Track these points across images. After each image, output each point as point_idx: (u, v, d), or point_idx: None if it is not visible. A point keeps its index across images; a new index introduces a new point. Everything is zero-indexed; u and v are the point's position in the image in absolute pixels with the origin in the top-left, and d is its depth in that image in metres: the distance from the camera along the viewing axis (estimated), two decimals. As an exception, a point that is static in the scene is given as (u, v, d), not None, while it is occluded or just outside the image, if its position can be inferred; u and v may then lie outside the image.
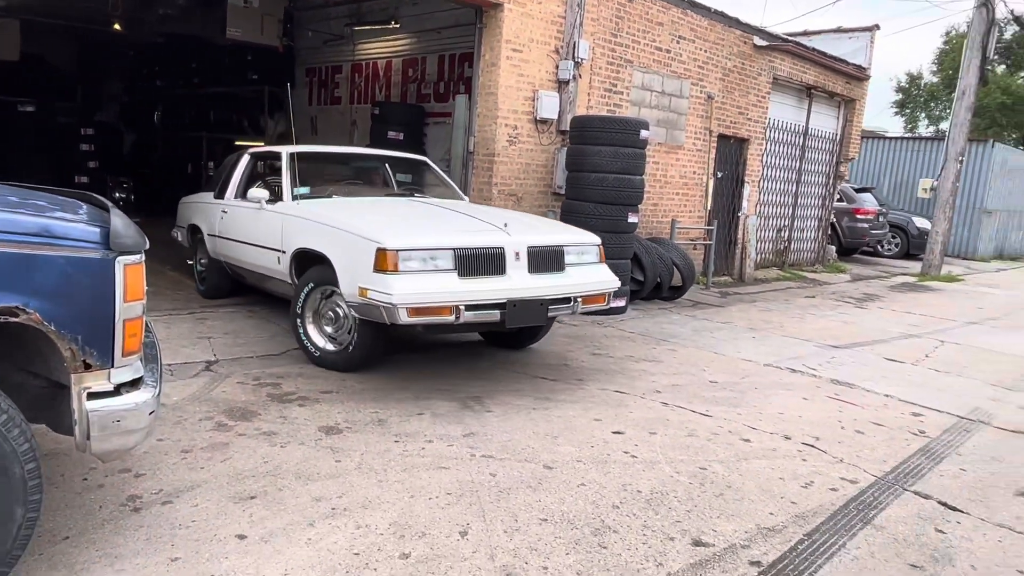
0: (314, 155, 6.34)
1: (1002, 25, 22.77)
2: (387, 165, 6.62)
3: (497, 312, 4.33)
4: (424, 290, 4.17)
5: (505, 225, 4.70)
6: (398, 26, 10.49)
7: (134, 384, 2.34)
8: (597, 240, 5.12)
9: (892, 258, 16.84)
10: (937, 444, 4.25)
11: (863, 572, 2.76)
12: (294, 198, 5.33)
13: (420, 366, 5.08)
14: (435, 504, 3.03)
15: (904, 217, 17.15)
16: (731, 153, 11.00)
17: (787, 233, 12.64)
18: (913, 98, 33.60)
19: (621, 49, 8.81)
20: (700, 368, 5.57)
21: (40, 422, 2.52)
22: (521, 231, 4.73)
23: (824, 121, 13.06)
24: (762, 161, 11.57)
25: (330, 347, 4.84)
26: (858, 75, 13.07)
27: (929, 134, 28.85)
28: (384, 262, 4.19)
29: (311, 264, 4.90)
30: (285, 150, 5.81)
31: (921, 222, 16.41)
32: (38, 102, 11.50)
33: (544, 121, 8.12)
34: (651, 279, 8.26)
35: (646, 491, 3.29)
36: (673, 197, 10.02)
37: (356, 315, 4.46)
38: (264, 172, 6.39)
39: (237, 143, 14.41)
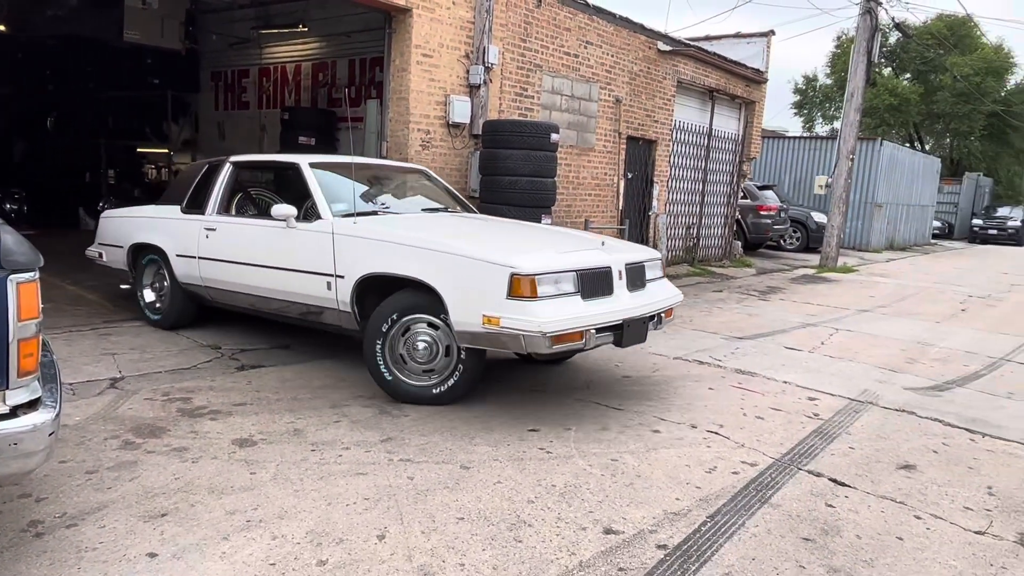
0: (331, 165, 5.44)
1: (887, 31, 24.36)
2: (401, 176, 6.14)
3: (612, 334, 4.26)
4: (562, 315, 3.96)
5: (603, 244, 4.63)
6: (306, 30, 10.35)
7: (31, 405, 2.28)
8: (660, 255, 5.10)
9: (794, 251, 17.74)
10: (829, 425, 4.56)
11: (760, 548, 2.96)
12: (335, 215, 4.79)
13: (338, 374, 5.06)
14: (353, 510, 3.06)
15: (803, 212, 18.09)
16: (640, 154, 11.36)
17: (696, 230, 13.14)
18: (809, 99, 35.40)
19: (531, 54, 8.98)
20: (613, 364, 5.76)
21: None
22: (614, 249, 4.66)
23: (727, 123, 13.65)
24: (670, 162, 12.00)
25: (423, 381, 4.41)
26: (756, 78, 13.73)
27: (825, 133, 30.53)
28: (520, 288, 3.91)
29: (384, 290, 4.46)
30: (302, 161, 5.23)
31: (819, 217, 17.36)
32: (-85, 109, 10.76)
33: (457, 125, 8.19)
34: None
35: (560, 485, 3.41)
36: (586, 198, 10.27)
37: (467, 345, 4.16)
38: (251, 184, 6.14)
39: (140, 150, 13.88)
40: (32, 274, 2.24)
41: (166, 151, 13.31)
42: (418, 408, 4.37)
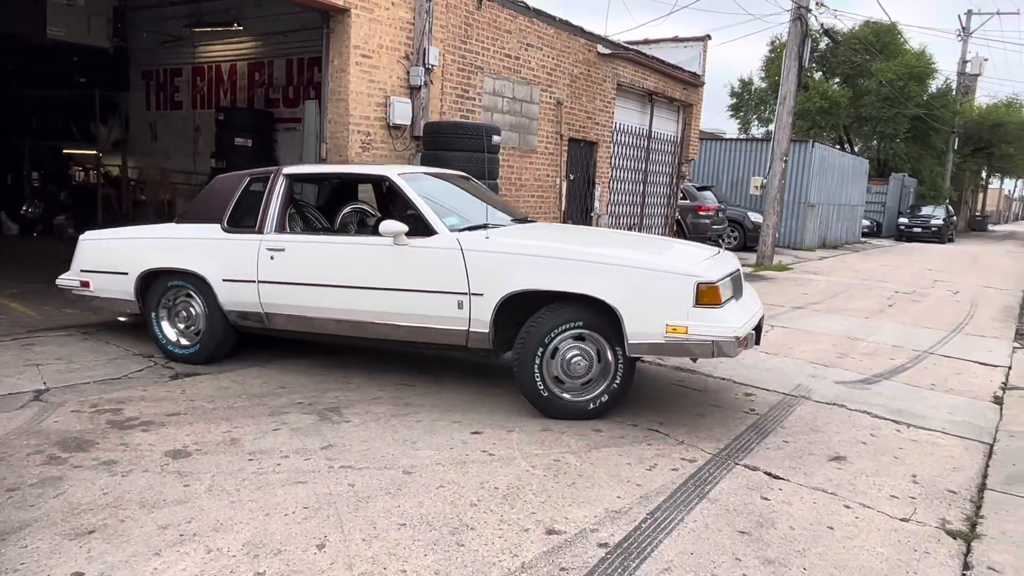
0: (424, 175, 5.21)
1: (817, 37, 25.20)
2: (459, 183, 5.70)
3: (755, 334, 4.46)
4: (742, 319, 4.21)
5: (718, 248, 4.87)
6: (241, 28, 10.11)
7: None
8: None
9: (732, 251, 18.12)
10: (765, 420, 4.69)
11: (699, 542, 3.02)
12: (451, 230, 4.60)
13: (278, 380, 4.95)
14: (291, 520, 3.00)
15: (740, 212, 18.56)
16: (582, 156, 11.48)
17: (637, 231, 13.34)
18: (745, 102, 36.31)
19: (471, 56, 8.98)
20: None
21: None
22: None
23: (666, 125, 13.92)
24: (611, 163, 12.16)
25: (580, 396, 4.36)
26: (694, 82, 14.03)
27: (760, 136, 31.40)
28: (707, 296, 4.04)
29: (527, 307, 4.35)
30: (393, 173, 4.97)
31: (755, 216, 17.84)
32: None
33: (398, 127, 8.13)
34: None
35: (503, 487, 3.42)
36: (529, 199, 10.32)
37: (640, 355, 4.28)
38: (298, 198, 5.55)
39: (66, 151, 13.33)
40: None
41: (94, 152, 12.81)
42: (360, 414, 4.32)
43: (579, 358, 4.30)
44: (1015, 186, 70.77)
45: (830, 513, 3.38)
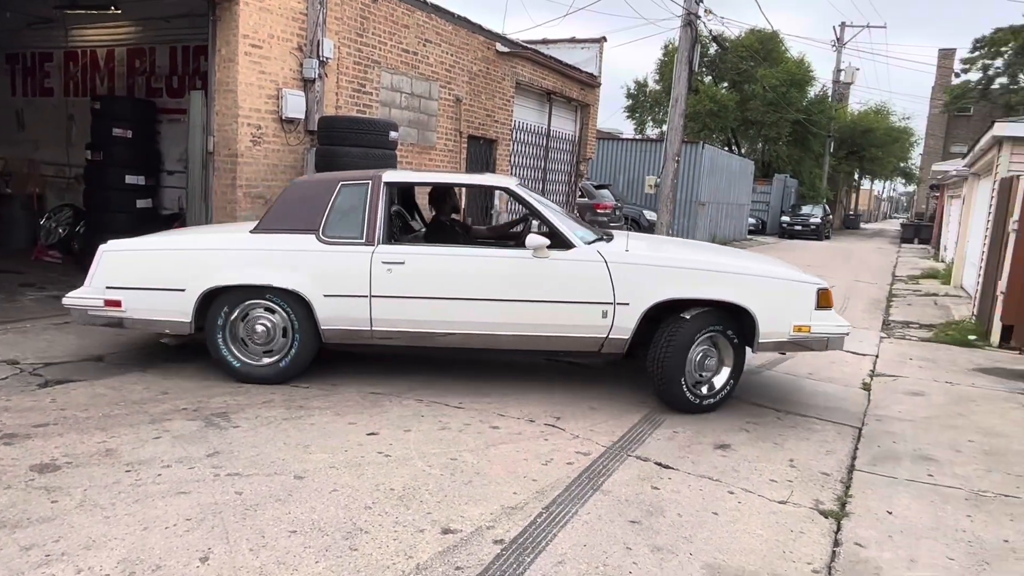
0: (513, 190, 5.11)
1: (706, 43, 26.31)
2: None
3: None
4: (844, 319, 5.05)
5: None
6: (120, 12, 9.49)
7: None
8: None
9: (629, 247, 18.71)
10: (657, 412, 4.85)
11: (592, 534, 3.09)
12: (587, 243, 4.88)
13: (160, 385, 4.69)
14: (172, 533, 2.85)
15: (636, 210, 19.15)
16: (481, 153, 11.50)
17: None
18: (641, 104, 37.50)
19: (368, 49, 8.81)
20: (450, 361, 5.78)
21: None
22: None
23: (564, 124, 14.15)
24: (510, 161, 12.25)
25: (701, 392, 4.83)
26: (591, 82, 14.33)
27: (655, 136, 32.47)
28: (823, 300, 4.81)
29: (666, 313, 4.73)
30: (512, 184, 5.09)
31: (650, 214, 18.45)
32: None
33: (291, 121, 7.87)
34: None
35: (399, 488, 3.37)
36: (428, 197, 10.22)
37: (767, 350, 4.89)
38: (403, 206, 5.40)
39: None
40: None
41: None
42: (250, 419, 4.16)
43: (711, 360, 4.81)
44: (883, 187, 76.45)
45: (715, 499, 3.53)
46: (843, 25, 38.83)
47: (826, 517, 3.42)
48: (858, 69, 39.75)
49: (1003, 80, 40.64)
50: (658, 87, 35.83)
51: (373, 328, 4.81)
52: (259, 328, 4.83)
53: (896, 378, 6.32)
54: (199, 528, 2.90)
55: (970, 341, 8.21)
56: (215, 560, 2.68)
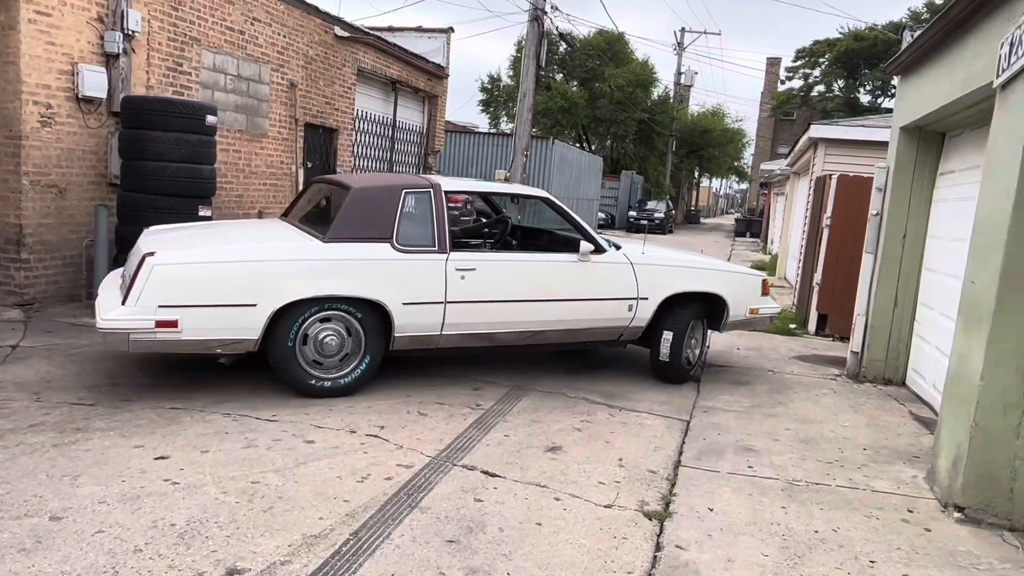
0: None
1: (555, 40, 26.77)
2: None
3: None
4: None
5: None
6: None
7: None
8: None
9: (481, 242, 18.62)
10: (489, 415, 4.65)
11: (402, 560, 2.81)
12: (616, 248, 5.61)
13: None
14: None
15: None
16: (321, 143, 10.89)
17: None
18: (495, 98, 37.73)
19: (185, 25, 8.00)
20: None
21: None
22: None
23: (411, 115, 13.76)
24: (353, 151, 11.71)
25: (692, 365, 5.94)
26: (438, 73, 14.03)
27: (508, 131, 32.72)
28: (765, 288, 6.18)
29: (676, 305, 5.65)
30: (546, 194, 5.89)
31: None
32: None
33: (90, 100, 6.97)
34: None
35: (181, 523, 2.93)
36: (260, 188, 9.54)
37: (730, 329, 6.18)
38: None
39: None
40: None
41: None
42: (8, 447, 3.51)
43: (695, 340, 5.88)
44: (720, 185, 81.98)
45: (540, 508, 3.37)
46: (683, 30, 41.09)
47: (650, 519, 3.35)
48: (697, 72, 42.27)
49: (821, 88, 44.65)
50: (511, 82, 36.16)
51: (442, 333, 4.96)
52: (330, 341, 4.64)
53: (725, 368, 6.54)
54: (-97, 596, 2.33)
55: (791, 330, 8.74)
56: (-84, 638, 2.14)
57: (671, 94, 39.64)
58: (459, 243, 5.50)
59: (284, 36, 9.65)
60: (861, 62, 40.14)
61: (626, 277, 5.46)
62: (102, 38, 7.05)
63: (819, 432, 4.84)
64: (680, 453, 4.28)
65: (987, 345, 3.38)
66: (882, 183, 6.33)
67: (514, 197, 6.58)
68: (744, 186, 68.45)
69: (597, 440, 4.36)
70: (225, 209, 8.85)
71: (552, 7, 15.45)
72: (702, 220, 54.65)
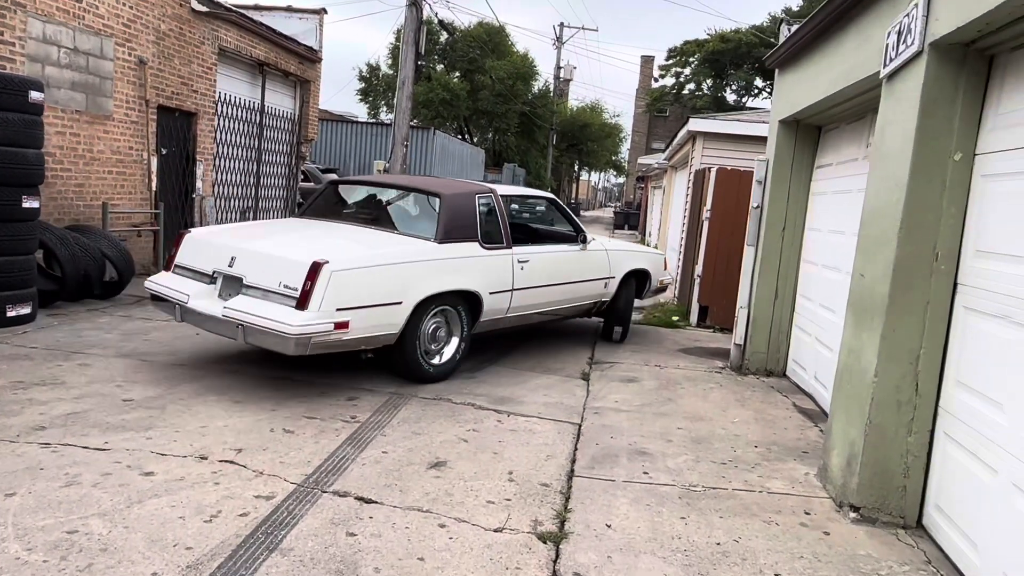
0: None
1: (436, 29, 26.20)
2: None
3: None
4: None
5: None
6: None
7: None
8: None
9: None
10: (366, 429, 4.20)
11: (257, 620, 2.34)
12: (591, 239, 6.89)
13: None
14: None
15: (367, 197, 18.37)
16: (177, 128, 9.90)
17: (252, 215, 12.14)
18: (374, 87, 36.62)
19: (5, -13, 6.93)
20: (116, 384, 4.60)
21: None
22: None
23: (281, 100, 12.88)
24: (215, 138, 10.76)
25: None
26: (310, 56, 13.20)
27: (388, 120, 31.83)
28: (666, 264, 8.18)
29: (631, 279, 7.31)
30: (553, 196, 7.07)
31: (382, 201, 17.77)
32: None
33: None
34: (73, 276, 6.79)
35: (-35, 596, 2.32)
36: (105, 176, 8.51)
37: (651, 294, 7.95)
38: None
39: None
40: None
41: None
42: None
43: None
44: (599, 178, 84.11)
45: (423, 539, 2.97)
46: (562, 25, 41.49)
47: (544, 542, 3.03)
48: (576, 67, 42.80)
49: (691, 86, 46.52)
50: (391, 72, 35.22)
51: (507, 315, 5.82)
52: (439, 330, 5.30)
53: (613, 365, 6.38)
54: None
55: (674, 322, 8.77)
56: None
57: (551, 88, 39.99)
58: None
59: (130, 7, 8.63)
60: (727, 63, 42.08)
61: (604, 261, 6.88)
62: None
63: (711, 431, 4.73)
64: (573, 461, 4.01)
65: (880, 340, 3.30)
66: (762, 176, 6.36)
67: (527, 198, 7.72)
68: (621, 180, 70.49)
69: (485, 452, 4.01)
70: (62, 200, 7.82)
71: (431, -8, 14.95)
72: (582, 213, 55.74)
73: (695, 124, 9.90)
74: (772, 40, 40.59)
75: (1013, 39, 2.94)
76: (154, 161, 9.27)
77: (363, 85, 36.93)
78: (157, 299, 5.08)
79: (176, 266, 5.11)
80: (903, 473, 3.34)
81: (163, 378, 4.81)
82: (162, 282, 5.05)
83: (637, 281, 7.41)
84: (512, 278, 5.70)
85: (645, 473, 3.89)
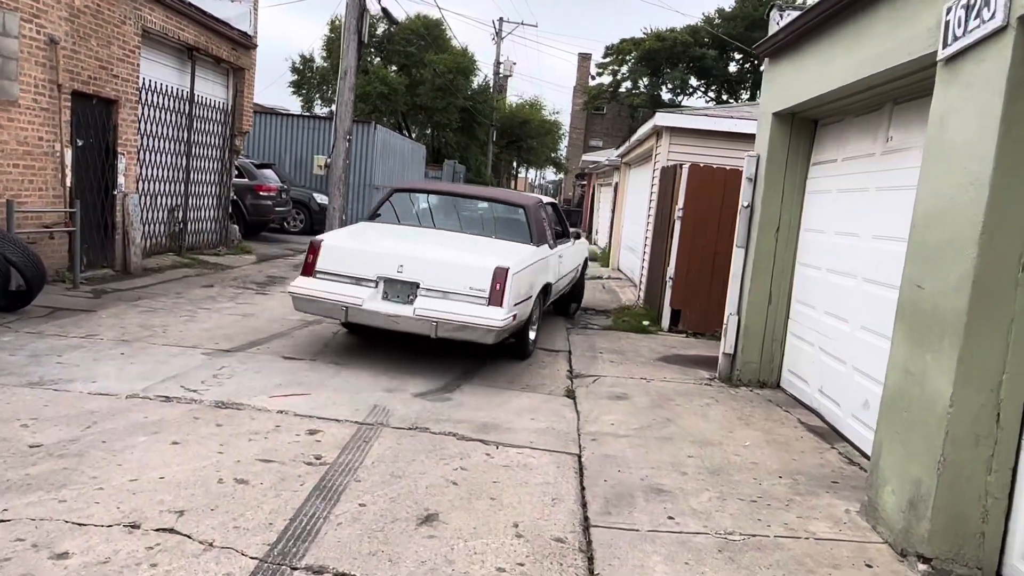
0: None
1: (376, 19, 25.19)
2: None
3: None
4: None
5: None
6: None
7: None
8: None
9: (298, 234, 16.90)
10: (334, 472, 3.51)
11: None
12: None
13: None
14: None
15: (305, 193, 17.37)
16: (96, 117, 8.85)
17: (181, 213, 11.10)
18: (307, 80, 35.19)
19: None
20: (22, 423, 3.76)
21: None
22: None
23: (213, 89, 11.86)
24: (139, 128, 9.72)
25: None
26: (245, 42, 12.21)
27: (324, 115, 30.60)
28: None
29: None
30: (555, 201, 9.51)
31: (321, 198, 16.80)
32: None
33: None
34: (-31, 286, 5.81)
35: None
36: (10, 171, 7.45)
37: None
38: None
39: None
40: None
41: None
42: None
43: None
44: (536, 175, 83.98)
45: (429, 631, 2.33)
46: (501, 20, 40.93)
47: (579, 625, 2.43)
48: (515, 63, 42.33)
49: (628, 84, 46.65)
50: (325, 64, 33.92)
51: (549, 300, 6.92)
52: (534, 316, 6.22)
53: (596, 379, 5.84)
54: None
55: (645, 327, 8.30)
56: None
57: (491, 84, 39.35)
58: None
59: (38, -22, 7.59)
60: (663, 61, 42.28)
61: (580, 252, 8.62)
62: None
63: (724, 458, 4.21)
64: (584, 505, 3.42)
65: (957, 364, 2.83)
66: (752, 173, 5.92)
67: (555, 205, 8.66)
68: (559, 177, 70.48)
69: (480, 498, 3.39)
70: (-44, 197, 6.75)
71: (373, -22, 14.11)
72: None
73: (662, 119, 9.46)
74: (706, 40, 41.13)
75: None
76: (68, 153, 8.22)
77: (296, 77, 35.47)
78: (305, 300, 5.49)
79: (319, 272, 5.53)
80: (981, 518, 2.88)
81: (81, 413, 3.98)
82: (313, 287, 5.48)
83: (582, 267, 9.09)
84: (557, 269, 6.94)
85: (671, 518, 3.34)
